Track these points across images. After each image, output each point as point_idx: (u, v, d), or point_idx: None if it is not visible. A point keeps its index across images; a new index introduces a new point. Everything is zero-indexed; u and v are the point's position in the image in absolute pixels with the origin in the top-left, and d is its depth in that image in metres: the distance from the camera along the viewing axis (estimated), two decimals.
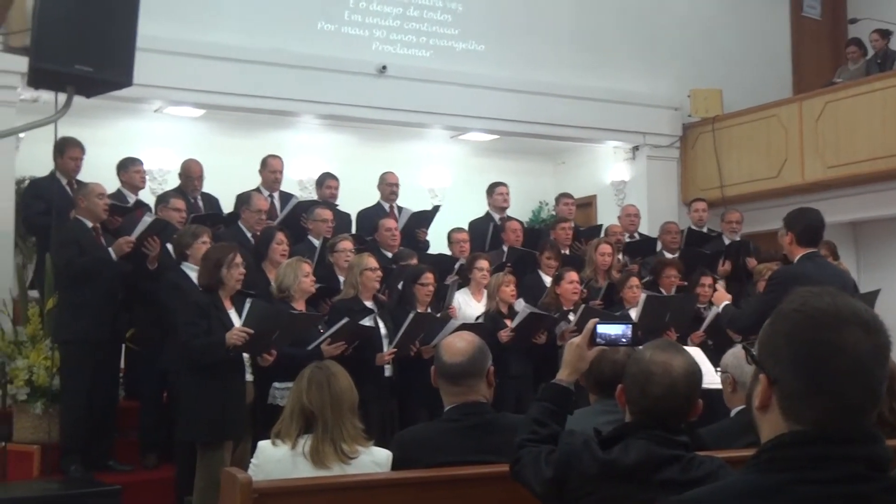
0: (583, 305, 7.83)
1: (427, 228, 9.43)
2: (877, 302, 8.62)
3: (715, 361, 4.90)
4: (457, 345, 3.65)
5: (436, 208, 9.63)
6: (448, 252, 9.11)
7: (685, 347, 3.04)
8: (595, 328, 3.10)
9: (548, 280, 8.48)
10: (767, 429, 1.78)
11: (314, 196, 9.60)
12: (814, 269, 5.82)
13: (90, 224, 7.01)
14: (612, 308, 8.12)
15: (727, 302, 6.72)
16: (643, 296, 7.97)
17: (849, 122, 10.40)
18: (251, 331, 5.86)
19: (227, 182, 9.14)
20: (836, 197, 10.44)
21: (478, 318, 7.70)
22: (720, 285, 7.47)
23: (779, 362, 1.74)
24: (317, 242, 8.17)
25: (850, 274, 6.93)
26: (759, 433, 1.81)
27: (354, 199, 9.65)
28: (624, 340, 3.10)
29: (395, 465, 3.60)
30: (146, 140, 10.17)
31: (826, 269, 6.02)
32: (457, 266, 8.48)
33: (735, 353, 4.16)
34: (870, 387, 1.72)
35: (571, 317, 7.75)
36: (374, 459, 3.62)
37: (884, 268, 11.29)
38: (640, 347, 2.94)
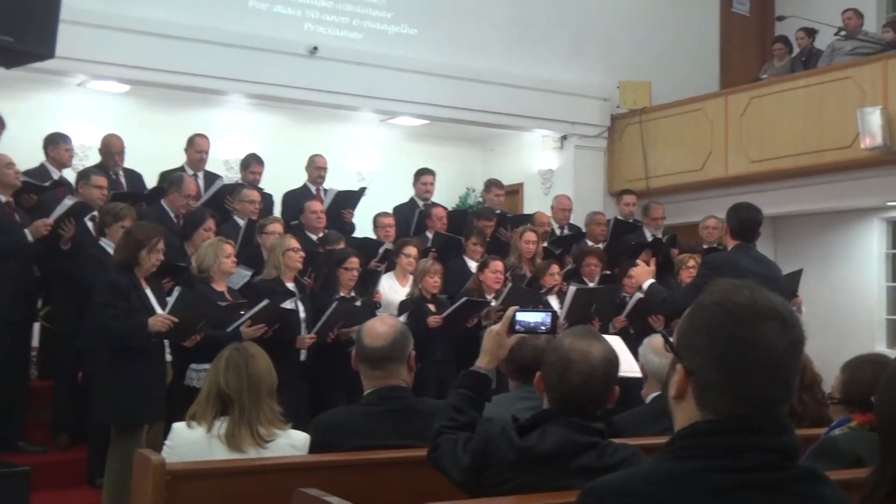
0: (509, 285, 7.84)
1: (353, 209, 9.37)
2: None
3: (635, 349, 4.94)
4: (378, 329, 3.64)
5: (362, 190, 9.58)
6: (374, 236, 9.08)
7: (606, 335, 3.06)
8: (514, 316, 3.10)
9: (473, 265, 8.50)
10: (682, 417, 1.80)
11: (240, 176, 9.47)
12: (744, 259, 5.98)
13: (4, 199, 6.84)
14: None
15: (651, 280, 6.62)
16: (572, 289, 8.02)
17: (773, 118, 10.58)
18: (176, 319, 5.76)
19: (152, 159, 9.01)
20: (758, 191, 10.58)
21: (401, 303, 7.69)
22: (642, 262, 7.25)
23: (697, 354, 1.76)
24: (242, 223, 8.07)
25: (779, 267, 7.02)
26: (673, 421, 1.83)
27: (281, 180, 9.56)
28: (543, 328, 3.11)
29: (314, 448, 3.57)
30: (69, 114, 9.94)
31: (757, 261, 6.17)
32: (382, 250, 8.45)
33: (646, 344, 4.23)
34: (784, 380, 1.75)
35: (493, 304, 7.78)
36: (292, 442, 3.59)
37: (801, 262, 11.48)
38: (559, 335, 2.95)
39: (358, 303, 7.32)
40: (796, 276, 8.55)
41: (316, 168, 9.59)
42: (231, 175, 10.04)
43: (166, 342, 6.07)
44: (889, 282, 11.44)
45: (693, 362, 1.77)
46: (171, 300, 5.90)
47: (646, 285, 6.61)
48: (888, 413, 2.01)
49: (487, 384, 3.11)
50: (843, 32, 10.89)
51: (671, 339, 1.86)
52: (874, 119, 9.18)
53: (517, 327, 3.10)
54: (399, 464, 3.40)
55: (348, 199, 9.35)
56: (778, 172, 10.46)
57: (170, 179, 8.13)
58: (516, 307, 3.16)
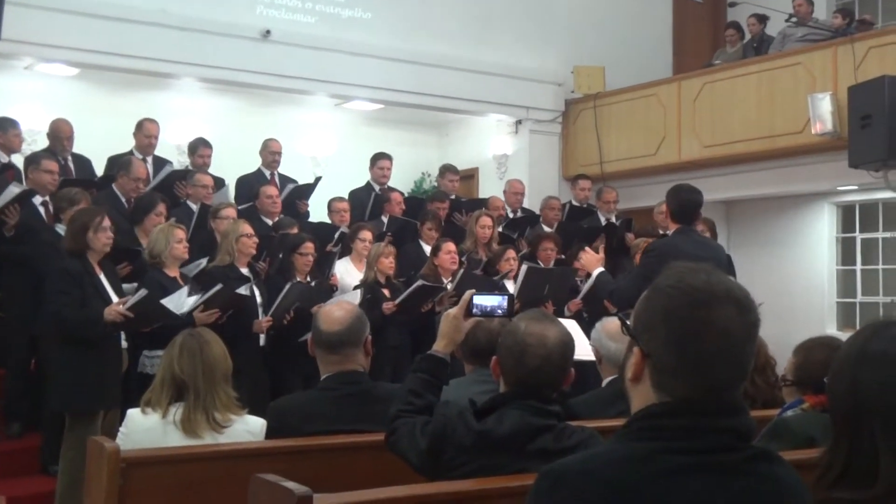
0: (462, 269, 7.84)
1: (307, 200, 9.33)
2: (746, 278, 8.92)
3: (590, 332, 4.97)
4: (335, 314, 3.64)
5: (317, 180, 9.52)
6: (328, 220, 9.04)
7: (561, 319, 3.07)
8: (471, 299, 3.11)
9: (428, 250, 8.50)
10: (638, 400, 1.82)
11: (189, 161, 9.36)
12: (687, 243, 5.95)
13: None
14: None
15: (601, 269, 6.57)
16: (524, 267, 8.04)
17: (725, 103, 10.67)
18: (131, 315, 5.68)
19: (101, 143, 8.88)
20: (711, 176, 10.70)
21: (356, 287, 7.67)
22: (590, 250, 7.18)
23: (653, 337, 1.77)
24: (194, 208, 7.99)
25: (723, 249, 7.06)
26: (630, 403, 1.85)
27: (234, 165, 9.48)
28: (500, 311, 3.12)
29: (270, 433, 3.57)
30: (16, 98, 9.74)
31: (700, 244, 6.16)
32: (337, 234, 8.42)
33: (599, 329, 4.26)
34: (739, 363, 1.77)
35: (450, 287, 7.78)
36: (248, 428, 3.58)
37: (753, 245, 11.69)
38: (515, 319, 2.96)
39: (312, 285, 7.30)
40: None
41: (270, 153, 9.53)
42: (183, 160, 9.92)
43: None
44: (839, 265, 11.62)
45: (650, 345, 1.79)
46: (132, 297, 5.80)
47: (595, 273, 6.55)
48: (840, 395, 2.04)
49: (444, 367, 3.11)
50: (793, 19, 10.99)
51: (628, 322, 1.88)
52: (824, 105, 9.29)
53: (474, 311, 3.11)
54: (356, 448, 3.40)
55: (303, 192, 9.32)
56: (730, 157, 10.55)
57: (119, 163, 8.02)
58: (473, 290, 3.17)
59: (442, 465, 2.78)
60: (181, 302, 6.15)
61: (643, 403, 1.80)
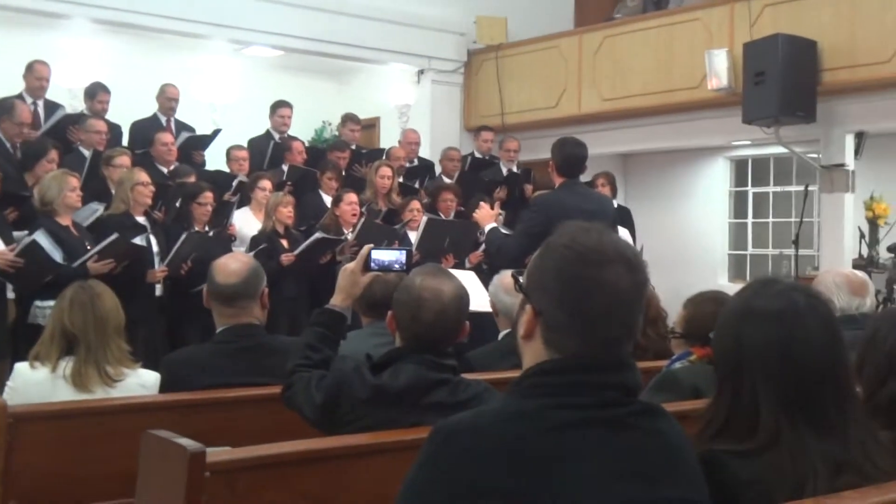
0: (362, 220, 7.81)
1: (203, 151, 9.16)
2: (642, 230, 9.12)
3: (489, 283, 5.01)
4: (230, 266, 3.61)
5: (215, 132, 9.31)
6: (226, 169, 8.90)
7: (459, 271, 3.10)
8: (369, 254, 3.10)
9: (328, 200, 8.44)
10: (530, 356, 1.85)
11: (83, 105, 9.08)
12: (571, 196, 5.99)
13: None
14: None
15: (492, 224, 6.55)
16: (424, 218, 8.03)
17: (625, 57, 10.76)
18: (20, 262, 5.51)
19: None
20: (609, 129, 10.83)
21: (253, 237, 7.59)
22: (485, 205, 7.14)
23: (545, 295, 1.81)
24: (87, 154, 7.78)
25: (610, 201, 7.13)
26: (521, 360, 1.88)
27: (128, 110, 9.23)
28: (398, 266, 3.12)
29: (164, 387, 3.54)
30: None
31: (584, 197, 6.21)
32: (235, 183, 8.31)
33: (495, 283, 4.31)
34: (628, 321, 1.81)
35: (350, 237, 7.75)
36: (141, 382, 3.54)
37: (649, 198, 11.91)
38: (410, 274, 2.97)
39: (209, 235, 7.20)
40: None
41: (167, 98, 9.30)
42: (75, 104, 9.61)
43: None
44: (731, 218, 11.93)
45: (542, 303, 1.82)
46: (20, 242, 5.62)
47: (487, 228, 6.52)
48: (724, 349, 2.10)
49: (342, 322, 3.11)
50: None
51: (521, 280, 1.90)
52: (720, 61, 9.44)
53: (372, 265, 3.10)
54: (252, 402, 3.39)
55: (200, 142, 9.13)
56: (629, 111, 10.67)
57: (1, 107, 7.73)
58: (371, 245, 3.16)
59: (337, 419, 2.79)
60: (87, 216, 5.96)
61: (534, 360, 1.83)
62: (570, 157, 6.14)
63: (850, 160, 9.27)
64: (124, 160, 7.41)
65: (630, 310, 1.81)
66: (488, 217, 6.64)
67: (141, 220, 6.84)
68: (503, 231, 6.64)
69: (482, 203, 7.16)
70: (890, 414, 2.28)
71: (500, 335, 4.29)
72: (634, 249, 1.85)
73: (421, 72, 12.22)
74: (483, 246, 8.16)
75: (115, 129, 8.72)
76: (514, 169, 10.24)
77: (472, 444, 1.71)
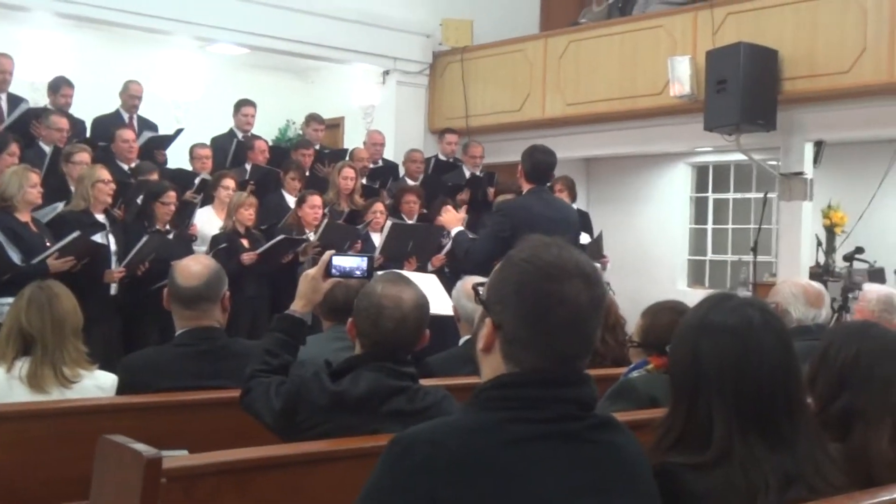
0: (325, 221, 7.78)
1: (165, 150, 9.09)
2: (605, 235, 9.17)
3: (451, 287, 5.02)
4: (192, 268, 3.59)
5: (178, 132, 9.24)
6: (188, 167, 8.84)
7: (421, 274, 3.10)
8: (330, 260, 3.10)
9: (291, 200, 8.41)
10: (488, 369, 1.87)
11: (46, 99, 8.99)
12: (537, 203, 6.06)
13: None
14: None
15: (459, 228, 6.56)
16: (389, 223, 8.04)
17: (589, 62, 10.81)
18: None
19: None
20: (573, 133, 10.88)
21: (214, 236, 7.55)
22: (451, 209, 7.06)
23: (505, 309, 1.82)
24: (48, 150, 7.70)
25: (574, 209, 7.19)
26: (480, 373, 1.89)
27: (91, 105, 9.14)
28: (359, 273, 3.12)
29: (122, 389, 3.51)
30: None
31: (549, 204, 6.26)
32: (198, 181, 8.26)
33: (458, 289, 4.33)
34: (585, 335, 1.84)
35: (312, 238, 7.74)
36: (98, 384, 3.50)
37: (611, 202, 11.99)
38: (371, 281, 2.98)
39: (171, 236, 7.15)
40: (599, 240, 8.88)
41: (130, 96, 9.23)
42: (37, 98, 9.50)
43: None
44: (692, 224, 12.04)
45: (501, 316, 1.83)
46: None
47: (454, 232, 6.54)
48: (680, 362, 2.13)
49: (302, 327, 3.10)
50: None
51: (481, 293, 1.92)
52: (683, 68, 9.51)
53: (333, 271, 3.10)
54: (210, 405, 3.37)
55: (161, 142, 9.06)
56: (592, 116, 10.71)
57: None
58: (332, 251, 3.16)
59: (296, 425, 2.78)
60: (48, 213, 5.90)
61: (493, 373, 1.85)
62: (540, 164, 6.21)
63: (808, 169, 9.39)
64: (84, 157, 7.35)
65: (587, 324, 1.83)
66: (455, 220, 6.66)
67: (100, 217, 6.78)
68: (469, 235, 6.66)
69: (448, 206, 7.17)
70: (840, 427, 2.33)
71: (461, 341, 4.30)
72: (592, 264, 1.87)
73: (386, 73, 12.21)
74: (446, 249, 8.19)
75: (78, 125, 8.63)
76: (478, 173, 10.26)
77: (430, 456, 1.72)
